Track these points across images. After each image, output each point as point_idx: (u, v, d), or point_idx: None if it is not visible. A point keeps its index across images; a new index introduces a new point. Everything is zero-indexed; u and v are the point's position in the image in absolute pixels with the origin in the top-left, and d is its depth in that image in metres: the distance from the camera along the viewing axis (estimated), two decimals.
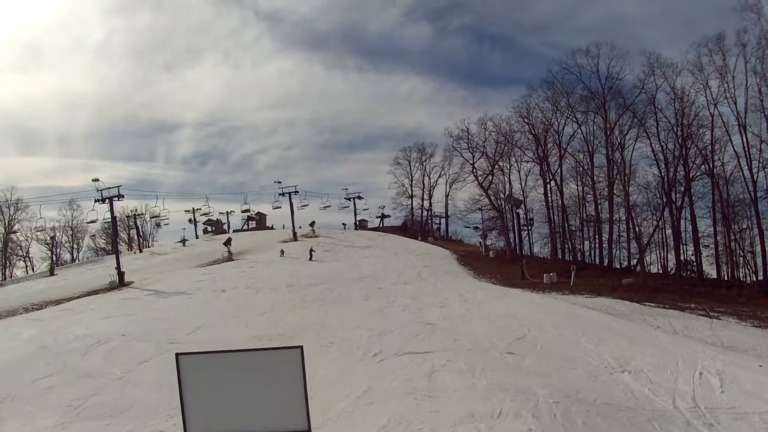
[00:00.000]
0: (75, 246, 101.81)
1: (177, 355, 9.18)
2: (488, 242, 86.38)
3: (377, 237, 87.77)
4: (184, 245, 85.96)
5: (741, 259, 64.66)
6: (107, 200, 61.91)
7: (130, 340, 30.08)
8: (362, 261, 62.46)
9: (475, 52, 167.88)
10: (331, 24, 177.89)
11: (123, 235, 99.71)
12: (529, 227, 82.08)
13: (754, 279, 61.72)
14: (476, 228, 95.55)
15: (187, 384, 8.96)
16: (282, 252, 65.75)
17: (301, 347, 9.26)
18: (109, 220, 67.66)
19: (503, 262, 69.68)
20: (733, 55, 61.49)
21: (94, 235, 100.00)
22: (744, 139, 61.75)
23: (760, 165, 61.26)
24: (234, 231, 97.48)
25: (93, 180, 62.54)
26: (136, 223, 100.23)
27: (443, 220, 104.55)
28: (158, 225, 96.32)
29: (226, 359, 9.27)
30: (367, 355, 25.84)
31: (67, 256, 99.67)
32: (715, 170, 64.76)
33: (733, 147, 63.17)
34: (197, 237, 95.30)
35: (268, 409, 9.08)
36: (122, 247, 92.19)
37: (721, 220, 64.81)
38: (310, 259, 62.57)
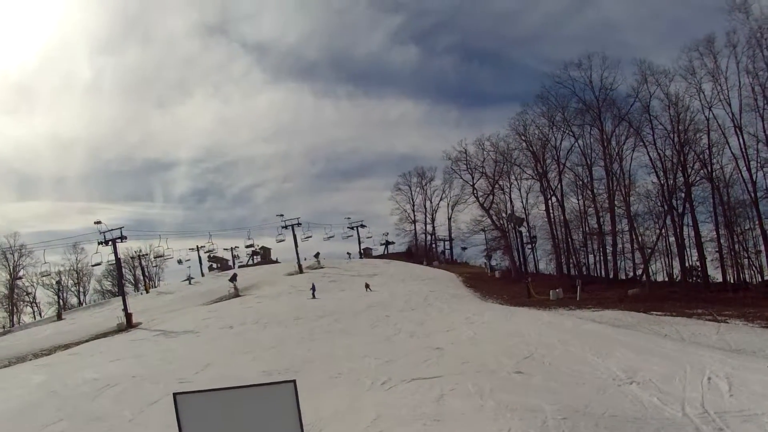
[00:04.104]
0: (81, 289, 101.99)
1: (175, 395, 9.24)
2: (493, 262, 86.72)
3: (382, 264, 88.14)
4: (190, 283, 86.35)
5: (746, 260, 64.76)
6: (110, 242, 62.00)
7: (140, 382, 29.87)
8: (366, 289, 62.70)
9: (464, 71, 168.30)
10: (319, 52, 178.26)
11: (129, 276, 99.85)
12: (533, 245, 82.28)
13: (760, 279, 61.80)
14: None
15: (186, 423, 8.99)
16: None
17: (294, 381, 9.32)
18: (114, 262, 67.69)
19: (509, 282, 70.37)
20: (725, 57, 62.11)
21: (99, 280, 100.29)
22: (741, 140, 62.15)
23: (759, 165, 61.58)
24: (239, 266, 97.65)
25: (95, 222, 62.82)
26: (141, 264, 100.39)
27: (447, 243, 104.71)
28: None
29: (223, 396, 9.28)
30: (375, 384, 25.61)
31: (73, 300, 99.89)
32: (714, 173, 65.07)
33: (730, 149, 63.61)
34: (203, 274, 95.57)
35: None
36: (128, 288, 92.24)
37: (723, 223, 64.98)
38: (313, 296, 61.29)
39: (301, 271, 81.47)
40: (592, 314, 44.21)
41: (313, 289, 62.70)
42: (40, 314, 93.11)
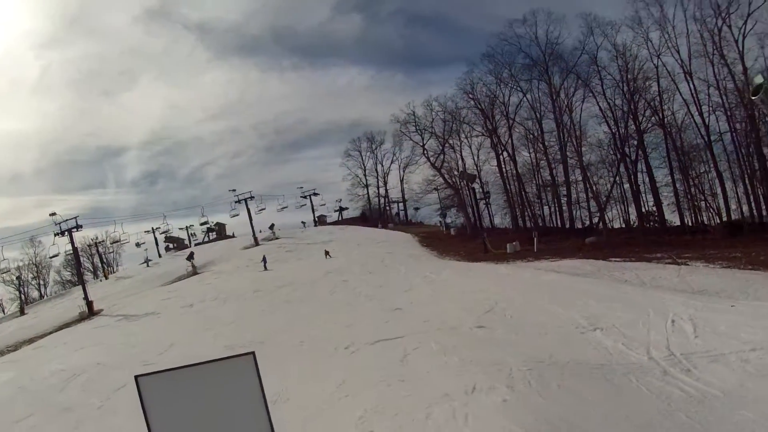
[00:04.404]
0: (41, 282, 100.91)
1: (136, 377, 9.14)
2: (448, 220, 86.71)
3: (337, 230, 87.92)
4: (148, 266, 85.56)
5: (702, 203, 65.41)
6: (66, 233, 61.50)
7: (105, 369, 29.75)
8: (325, 256, 62.79)
9: (408, 35, 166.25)
10: (262, 27, 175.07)
11: (87, 264, 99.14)
12: (487, 200, 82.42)
13: (718, 221, 62.50)
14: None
15: (150, 405, 8.91)
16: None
17: (253, 353, 9.26)
18: (71, 252, 67.11)
19: (465, 238, 70.46)
20: (671, 6, 62.27)
21: (58, 271, 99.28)
22: (691, 86, 62.63)
23: (710, 109, 62.09)
24: (196, 244, 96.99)
25: (50, 215, 62.35)
26: (98, 251, 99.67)
27: (401, 205, 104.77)
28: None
29: (184, 374, 9.19)
30: (338, 349, 25.69)
31: (35, 294, 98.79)
32: (665, 120, 65.46)
33: (681, 95, 64.00)
34: (160, 255, 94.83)
35: (231, 418, 9.04)
36: (88, 276, 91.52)
37: (677, 167, 65.50)
38: (265, 268, 61.12)
39: (256, 243, 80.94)
40: (550, 264, 44.51)
41: (264, 261, 62.49)
42: (3, 311, 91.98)
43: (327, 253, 63.42)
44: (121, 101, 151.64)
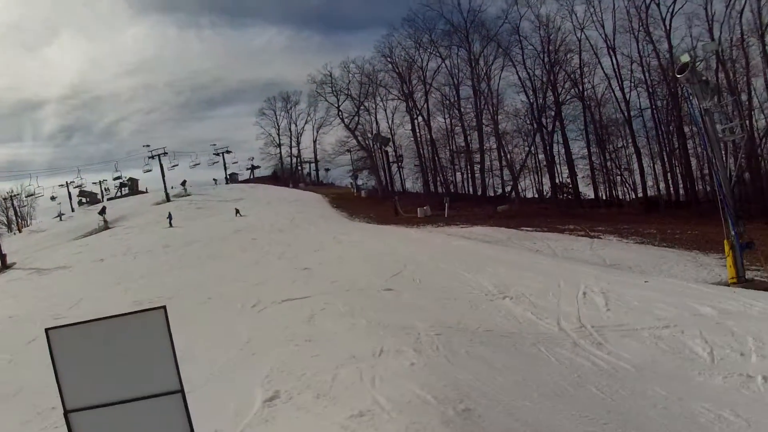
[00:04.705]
0: None
1: (47, 330, 8.82)
2: (359, 182, 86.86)
3: (249, 189, 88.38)
4: (61, 220, 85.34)
5: (618, 177, 66.34)
6: None
7: (17, 322, 29.10)
8: (236, 214, 62.86)
9: None
10: None
11: (2, 217, 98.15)
12: (399, 164, 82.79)
13: (633, 197, 63.50)
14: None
15: (59, 358, 8.62)
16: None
17: (164, 307, 8.90)
18: None
19: (376, 201, 70.86)
20: None
21: None
22: (614, 61, 63.63)
23: (632, 85, 63.04)
24: (108, 199, 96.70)
25: None
26: (13, 204, 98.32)
27: (313, 166, 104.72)
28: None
29: (94, 328, 8.87)
30: (245, 307, 25.36)
31: None
32: (585, 93, 66.17)
33: (603, 69, 65.11)
34: (73, 210, 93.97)
35: (141, 374, 8.71)
36: (2, 229, 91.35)
37: (595, 140, 66.27)
38: (170, 225, 60.73)
39: (168, 200, 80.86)
40: (461, 230, 44.91)
41: (170, 217, 62.32)
42: None
43: (237, 211, 63.41)
44: (42, 55, 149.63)
